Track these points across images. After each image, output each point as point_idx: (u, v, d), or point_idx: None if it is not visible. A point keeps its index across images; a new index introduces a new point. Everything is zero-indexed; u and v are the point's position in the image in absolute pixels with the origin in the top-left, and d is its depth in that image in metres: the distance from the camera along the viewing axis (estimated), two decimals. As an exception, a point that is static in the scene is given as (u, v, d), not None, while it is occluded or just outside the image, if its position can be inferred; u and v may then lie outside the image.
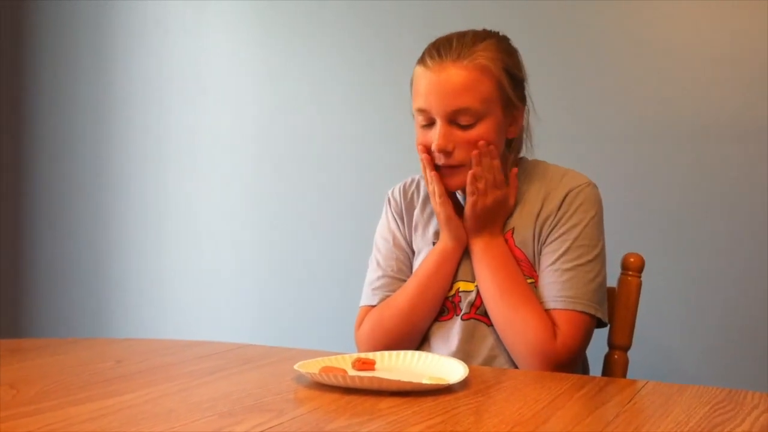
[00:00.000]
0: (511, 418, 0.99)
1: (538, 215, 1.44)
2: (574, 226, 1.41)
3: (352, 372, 1.19)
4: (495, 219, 1.42)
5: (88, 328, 2.96)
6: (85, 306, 2.99)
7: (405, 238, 1.55)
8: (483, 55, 1.37)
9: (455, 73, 1.36)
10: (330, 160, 2.58)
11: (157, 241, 2.87)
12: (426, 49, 1.42)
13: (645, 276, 1.54)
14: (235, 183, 2.74)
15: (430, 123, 1.40)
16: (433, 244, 1.50)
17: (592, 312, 1.39)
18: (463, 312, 1.45)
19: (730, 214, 2.08)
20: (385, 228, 1.58)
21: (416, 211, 1.55)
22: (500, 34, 1.46)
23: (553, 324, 1.37)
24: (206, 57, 2.77)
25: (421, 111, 1.40)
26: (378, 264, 1.55)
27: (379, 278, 1.54)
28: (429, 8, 2.39)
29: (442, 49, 1.38)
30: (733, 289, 2.08)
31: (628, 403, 1.08)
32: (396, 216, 1.56)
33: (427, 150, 1.42)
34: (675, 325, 2.13)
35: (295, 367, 1.17)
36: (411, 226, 1.55)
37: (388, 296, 1.50)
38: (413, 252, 1.54)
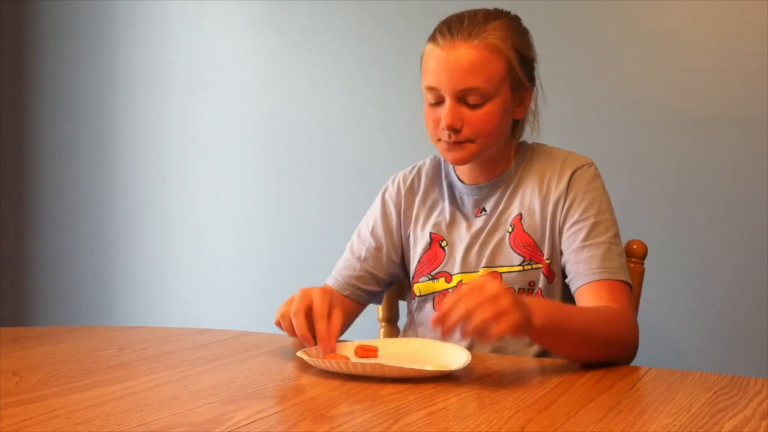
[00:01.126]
0: (513, 404, 0.99)
1: (547, 198, 1.42)
2: (592, 202, 1.40)
3: (354, 359, 1.19)
4: (520, 302, 1.12)
5: (91, 319, 2.97)
6: (88, 297, 3.00)
7: (389, 227, 1.53)
8: (494, 35, 1.36)
9: (465, 52, 1.35)
10: (331, 153, 2.58)
11: (159, 233, 2.87)
12: (437, 27, 1.40)
13: (647, 263, 1.54)
14: (236, 176, 2.74)
15: (438, 101, 1.38)
16: (430, 236, 1.48)
17: (630, 283, 1.38)
18: None
19: (732, 202, 2.08)
20: (371, 214, 1.57)
21: (417, 202, 1.53)
22: (511, 13, 1.44)
23: (605, 296, 1.32)
24: (208, 52, 2.77)
25: (431, 89, 1.38)
26: (351, 246, 1.55)
27: (346, 260, 1.53)
28: (434, 6, 2.37)
29: (453, 27, 1.37)
30: (735, 276, 2.08)
31: (630, 389, 1.08)
32: (392, 203, 1.54)
33: (437, 126, 1.40)
34: (677, 312, 2.14)
35: (298, 354, 1.17)
36: (410, 215, 1.53)
37: (345, 281, 1.50)
38: (395, 246, 1.53)
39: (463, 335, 1.08)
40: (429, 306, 1.49)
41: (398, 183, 1.56)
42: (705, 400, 1.02)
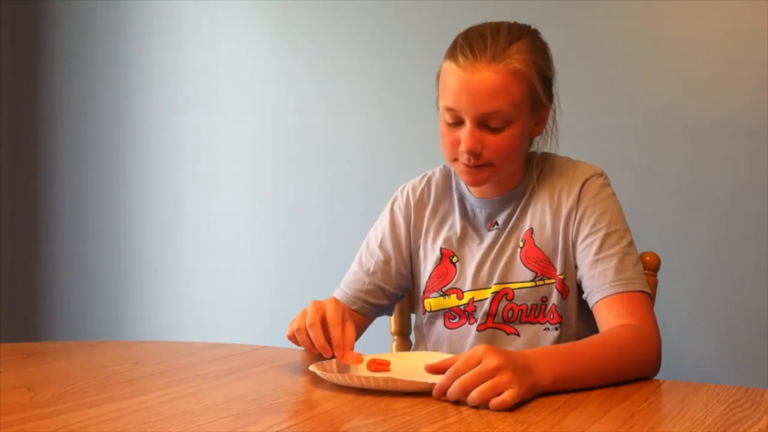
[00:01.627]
0: (526, 417, 0.98)
1: (558, 212, 1.41)
2: (603, 213, 1.38)
3: (366, 373, 1.19)
4: (524, 369, 1.09)
5: (105, 331, 2.98)
6: (102, 309, 3.01)
7: (398, 240, 1.51)
8: (517, 58, 1.33)
9: (489, 76, 1.32)
10: (342, 160, 2.58)
11: (172, 243, 2.88)
12: (458, 43, 1.36)
13: (660, 275, 1.54)
14: (249, 183, 2.75)
15: (457, 122, 1.36)
16: (440, 251, 1.47)
17: (648, 292, 1.34)
18: (478, 322, 1.42)
19: (745, 211, 2.07)
20: (379, 225, 1.55)
21: (427, 214, 1.51)
22: (532, 28, 1.42)
23: (623, 310, 1.29)
24: (219, 58, 2.78)
25: (450, 109, 1.35)
26: (360, 258, 1.53)
27: (354, 273, 1.52)
28: (438, 8, 2.39)
29: (475, 47, 1.33)
30: (749, 287, 2.07)
31: (644, 401, 1.08)
32: (401, 215, 1.52)
33: (455, 148, 1.37)
34: (691, 324, 2.12)
35: (310, 368, 1.17)
36: (419, 228, 1.51)
37: (354, 294, 1.49)
38: (404, 259, 1.51)
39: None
40: (440, 322, 1.47)
41: (407, 194, 1.53)
42: (719, 412, 1.01)
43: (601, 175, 1.44)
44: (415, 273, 1.52)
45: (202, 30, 2.81)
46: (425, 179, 1.54)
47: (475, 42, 1.34)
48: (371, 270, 1.50)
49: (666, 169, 2.15)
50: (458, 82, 1.33)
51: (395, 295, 1.54)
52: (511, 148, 1.37)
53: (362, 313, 1.50)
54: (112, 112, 2.97)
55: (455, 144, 1.37)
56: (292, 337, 1.30)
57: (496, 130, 1.34)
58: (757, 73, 2.05)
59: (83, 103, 3.01)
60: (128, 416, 0.99)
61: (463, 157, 1.36)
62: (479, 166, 1.37)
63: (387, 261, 1.51)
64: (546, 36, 1.45)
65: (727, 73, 2.09)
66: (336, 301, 1.28)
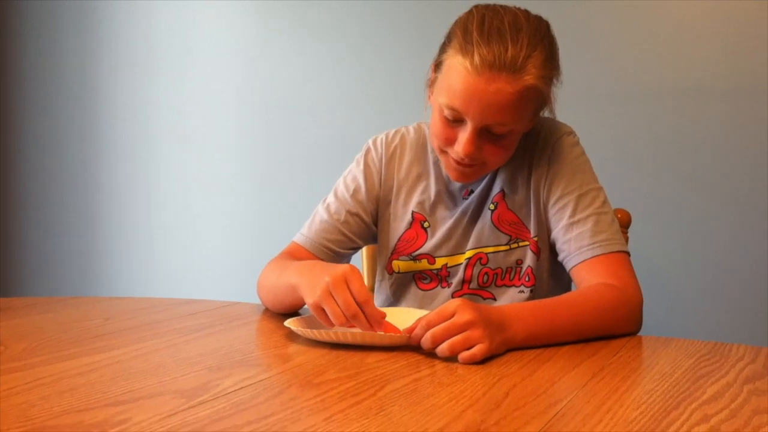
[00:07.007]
0: (497, 371, 0.99)
1: (529, 173, 1.39)
2: (574, 174, 1.37)
3: (340, 328, 1.19)
4: (497, 325, 1.11)
5: (77, 291, 2.96)
6: (74, 272, 2.99)
7: (369, 193, 1.48)
8: (534, 74, 1.25)
9: (504, 90, 1.24)
10: (318, 125, 2.57)
11: (146, 205, 2.87)
12: (474, 39, 1.25)
13: (631, 231, 1.55)
14: (223, 148, 2.73)
15: (457, 119, 1.29)
16: (412, 214, 1.44)
17: (626, 250, 1.34)
18: (453, 289, 1.41)
19: (714, 170, 2.09)
20: (350, 174, 1.50)
21: (401, 173, 1.47)
22: (543, 22, 1.32)
23: (602, 271, 1.29)
24: (194, 25, 2.75)
25: (452, 109, 1.28)
26: (328, 207, 1.48)
27: (322, 221, 1.47)
28: (421, 3, 2.37)
29: (495, 50, 1.23)
30: (717, 243, 2.10)
31: (614, 356, 1.09)
32: (374, 168, 1.49)
33: (449, 144, 1.32)
34: (661, 281, 2.15)
35: (285, 323, 1.17)
36: (390, 184, 1.48)
37: (320, 242, 1.45)
38: (372, 212, 1.48)
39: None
40: (410, 283, 1.46)
41: (381, 148, 1.49)
42: (688, 366, 1.03)
43: (570, 133, 1.42)
44: (380, 230, 1.49)
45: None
46: (398, 136, 1.50)
47: (494, 43, 1.24)
48: (342, 219, 1.46)
49: (637, 127, 2.16)
50: (470, 87, 1.25)
51: (359, 247, 1.51)
52: (508, 152, 1.34)
53: (325, 260, 1.44)
54: (84, 79, 2.93)
55: (450, 140, 1.31)
56: (318, 309, 1.16)
57: (497, 137, 1.30)
58: (729, 36, 2.06)
59: (53, 72, 2.97)
60: (101, 369, 0.98)
61: (456, 155, 1.32)
62: (471, 165, 1.33)
63: (359, 212, 1.47)
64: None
65: (701, 35, 2.10)
66: (353, 268, 1.16)
